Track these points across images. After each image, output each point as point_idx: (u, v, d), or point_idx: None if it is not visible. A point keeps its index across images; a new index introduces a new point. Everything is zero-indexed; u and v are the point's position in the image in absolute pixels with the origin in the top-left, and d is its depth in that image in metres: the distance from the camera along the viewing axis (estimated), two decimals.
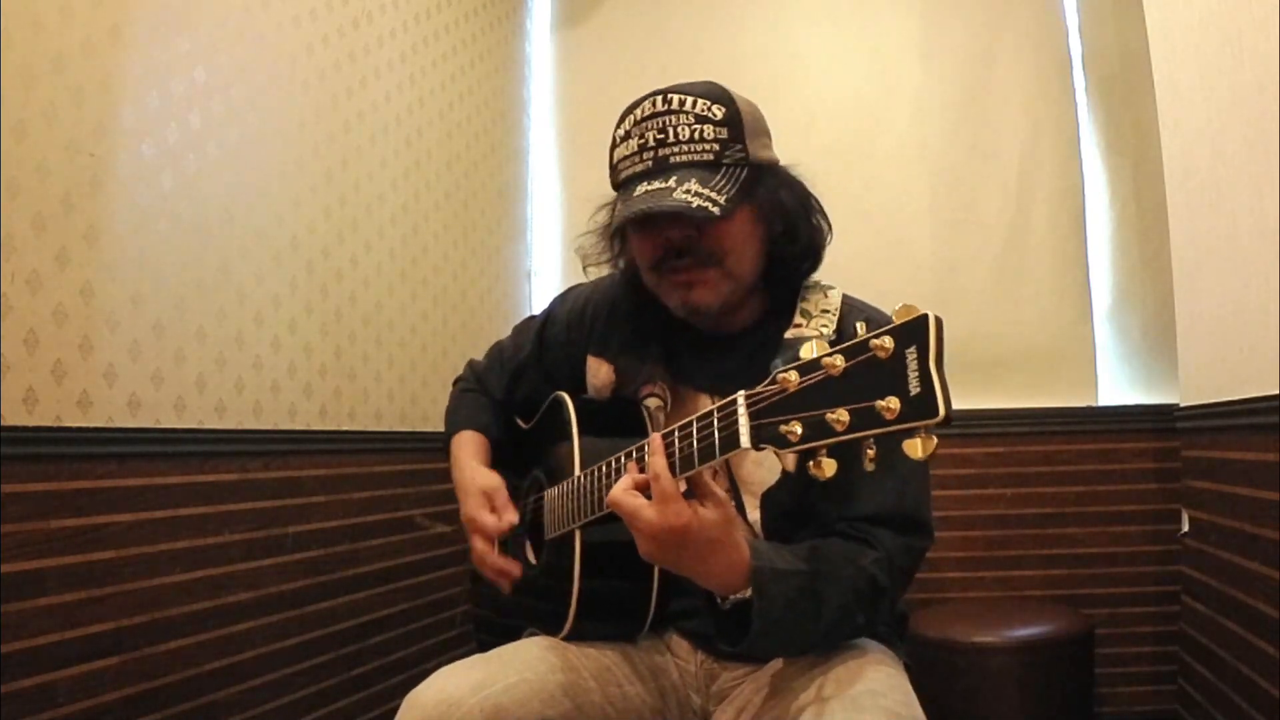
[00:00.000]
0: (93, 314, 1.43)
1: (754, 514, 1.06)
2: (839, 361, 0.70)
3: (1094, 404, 2.52)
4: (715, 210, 0.97)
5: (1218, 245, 1.77)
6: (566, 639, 1.07)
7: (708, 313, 1.07)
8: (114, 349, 1.47)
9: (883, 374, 0.67)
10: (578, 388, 1.22)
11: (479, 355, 1.42)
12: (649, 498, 0.86)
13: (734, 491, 1.08)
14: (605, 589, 1.06)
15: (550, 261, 2.93)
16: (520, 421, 1.33)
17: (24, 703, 1.29)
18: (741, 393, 0.78)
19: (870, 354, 0.68)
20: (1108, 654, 2.26)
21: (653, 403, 1.14)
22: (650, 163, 1.02)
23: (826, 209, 1.12)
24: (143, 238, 1.53)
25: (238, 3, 1.77)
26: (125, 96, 1.50)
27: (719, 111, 1.02)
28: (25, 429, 1.31)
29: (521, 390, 1.31)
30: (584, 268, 1.20)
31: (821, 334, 1.05)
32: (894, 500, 0.98)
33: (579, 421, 1.11)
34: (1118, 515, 2.37)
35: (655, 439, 0.87)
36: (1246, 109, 1.59)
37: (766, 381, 0.76)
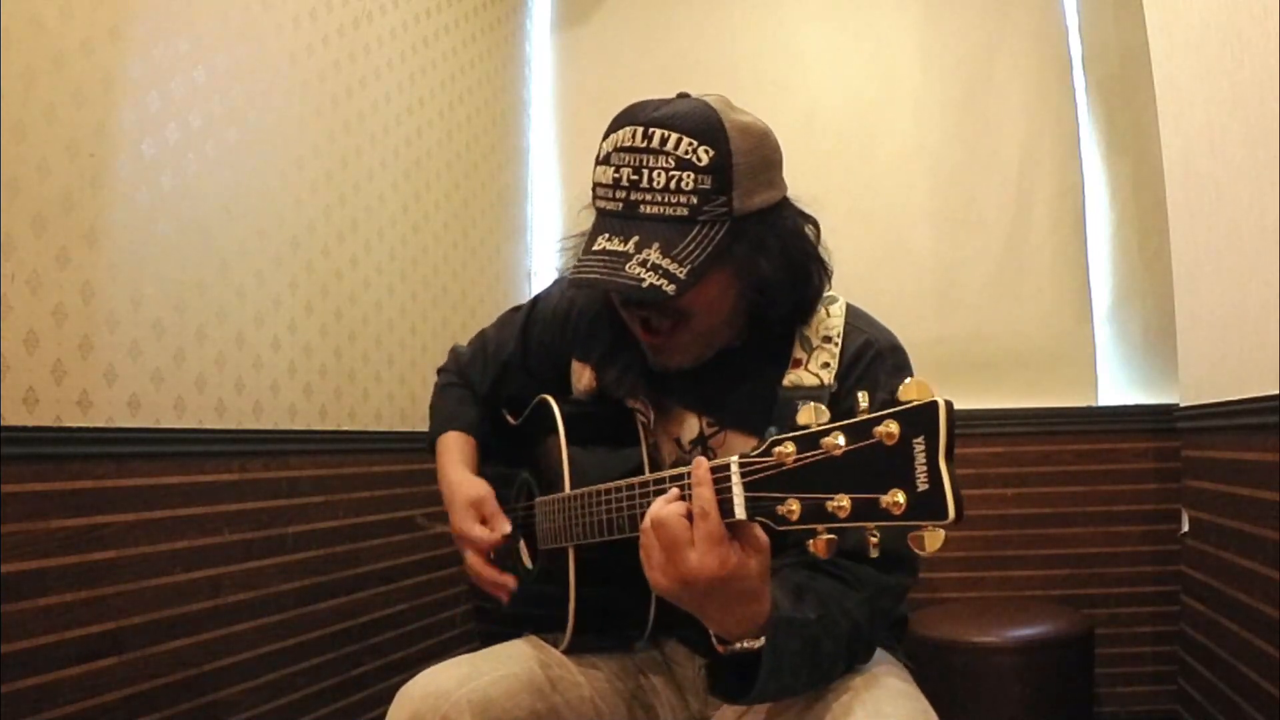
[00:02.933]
0: (93, 314, 1.43)
1: None
2: (840, 441, 0.66)
3: (1094, 404, 2.52)
4: (669, 289, 0.87)
5: (1218, 245, 1.77)
6: (566, 652, 1.07)
7: (679, 369, 1.02)
8: (114, 349, 1.47)
9: (887, 462, 0.63)
10: (563, 387, 1.19)
11: None
12: None
13: None
14: (603, 601, 1.05)
15: (550, 261, 2.93)
16: (509, 417, 1.30)
17: (24, 703, 1.29)
18: (735, 459, 0.74)
19: (874, 439, 0.64)
20: (1108, 654, 2.26)
21: (639, 418, 1.10)
22: (620, 204, 0.93)
23: (826, 210, 1.05)
24: (143, 238, 1.53)
25: (238, 3, 1.77)
26: (125, 96, 1.50)
27: (704, 156, 0.90)
28: (25, 429, 1.31)
29: (507, 387, 1.27)
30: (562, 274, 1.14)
31: (821, 381, 0.98)
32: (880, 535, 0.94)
33: (566, 428, 1.08)
34: (1118, 515, 2.37)
35: (702, 466, 0.76)
36: (1246, 109, 1.59)
37: (761, 450, 0.72)
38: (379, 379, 2.18)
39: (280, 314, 1.86)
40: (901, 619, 1.12)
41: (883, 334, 1.03)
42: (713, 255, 0.91)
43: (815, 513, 0.68)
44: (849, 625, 0.88)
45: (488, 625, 1.33)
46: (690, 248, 0.90)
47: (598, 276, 0.91)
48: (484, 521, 1.11)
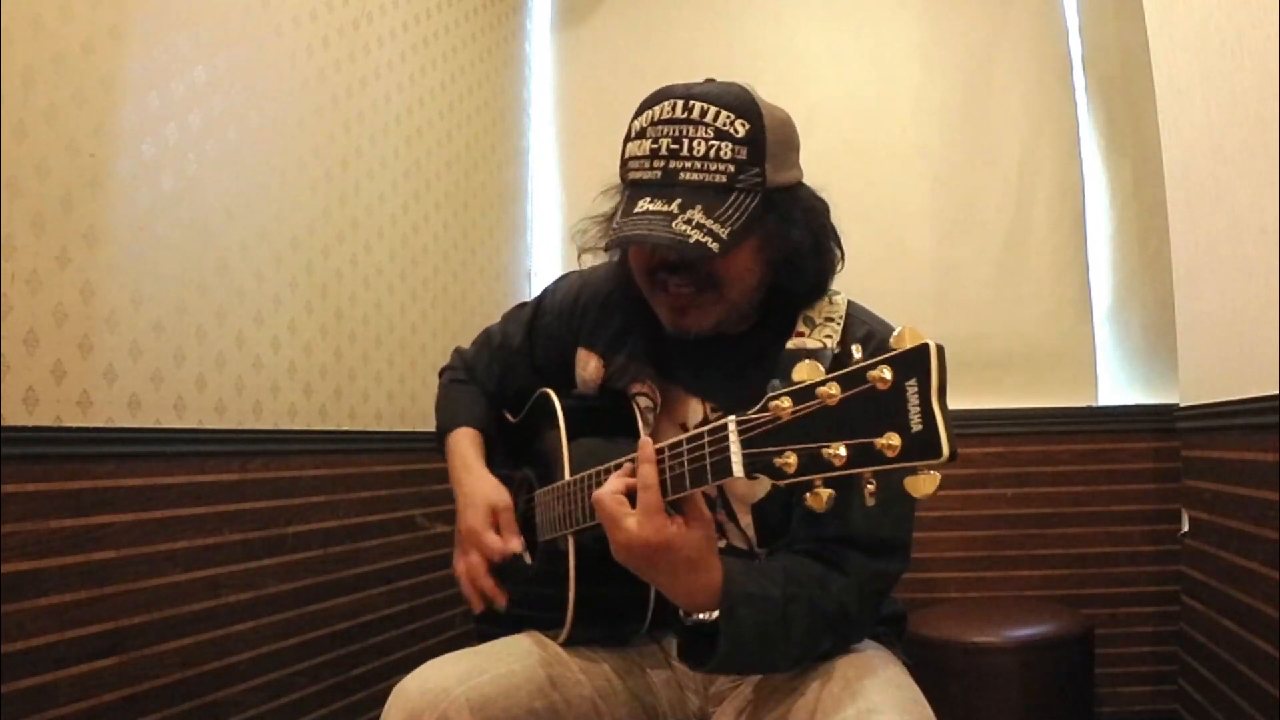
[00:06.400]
0: (93, 314, 1.43)
1: (745, 519, 1.06)
2: (834, 390, 0.67)
3: (1094, 404, 2.52)
4: (714, 247, 0.91)
5: (1218, 245, 1.77)
6: (565, 644, 1.07)
7: (698, 335, 1.04)
8: (114, 349, 1.47)
9: (881, 406, 0.64)
10: (567, 379, 1.20)
11: None
12: (633, 500, 0.84)
13: (722, 498, 1.07)
14: (602, 593, 1.05)
15: (550, 261, 2.93)
16: (509, 415, 1.32)
17: (24, 703, 1.29)
18: (732, 418, 0.75)
19: (868, 384, 0.65)
20: (1108, 654, 2.26)
21: (643, 402, 1.12)
22: (659, 173, 0.95)
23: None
24: (143, 238, 1.53)
25: (238, 3, 1.77)
26: (125, 96, 1.50)
27: (741, 128, 0.94)
28: (25, 429, 1.31)
29: (512, 382, 1.28)
30: (579, 254, 1.12)
31: (824, 345, 1.01)
32: (872, 523, 0.95)
33: (566, 420, 1.09)
34: (1118, 515, 2.37)
35: (647, 445, 0.84)
36: (1246, 109, 1.59)
37: (758, 407, 0.73)
38: (379, 379, 2.18)
39: (280, 314, 1.86)
40: (900, 615, 1.12)
41: (884, 327, 1.06)
42: (748, 222, 0.95)
43: (812, 462, 0.69)
44: (833, 606, 0.91)
45: (486, 626, 1.33)
46: (729, 212, 0.94)
47: (645, 232, 0.93)
48: (497, 532, 1.11)
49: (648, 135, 0.97)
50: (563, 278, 1.28)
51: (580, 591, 1.03)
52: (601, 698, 1.05)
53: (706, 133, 0.94)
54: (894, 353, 0.65)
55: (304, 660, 1.85)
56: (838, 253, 1.06)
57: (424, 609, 2.25)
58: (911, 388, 0.63)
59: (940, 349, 0.63)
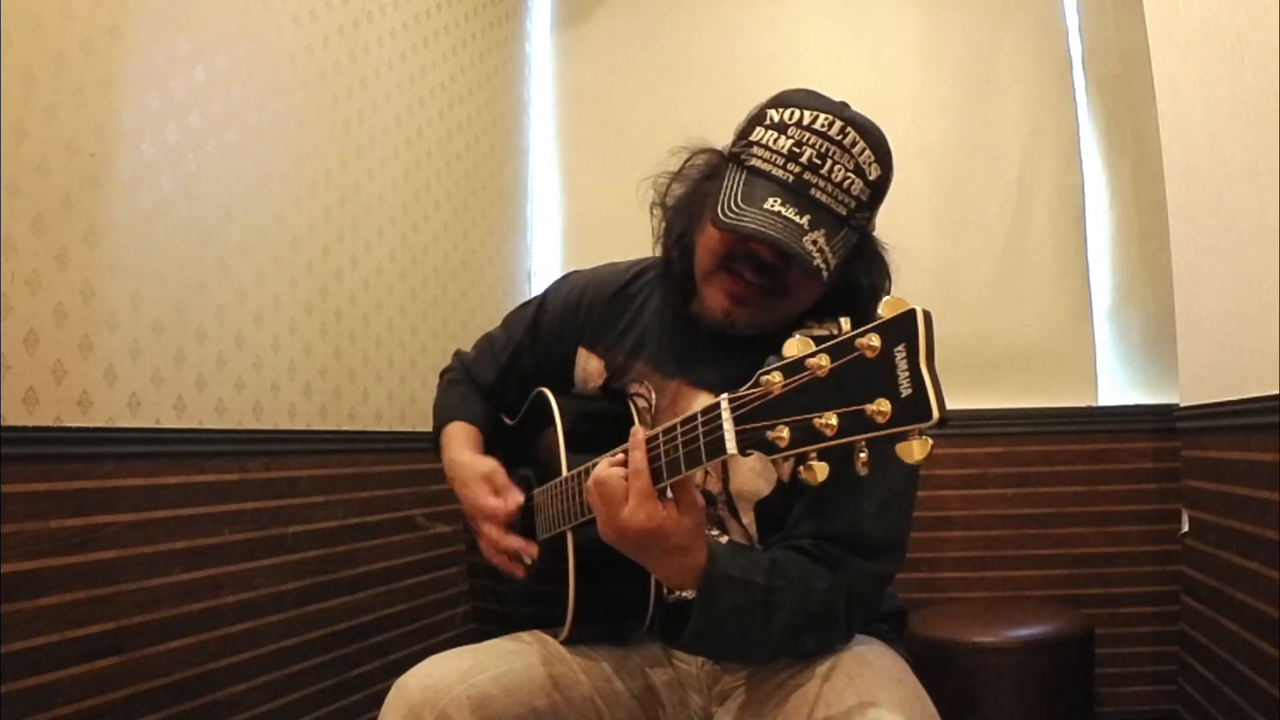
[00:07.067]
0: (93, 314, 1.43)
1: (748, 516, 1.06)
2: (824, 361, 0.68)
3: (1094, 404, 2.52)
4: (825, 274, 0.94)
5: (1218, 245, 1.77)
6: (566, 643, 1.07)
7: (737, 330, 1.04)
8: (114, 349, 1.47)
9: (871, 374, 0.65)
10: (566, 378, 1.21)
11: None
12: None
13: (726, 495, 1.07)
14: (602, 590, 1.05)
15: (550, 261, 2.93)
16: (505, 419, 1.32)
17: (24, 703, 1.29)
18: (725, 396, 0.76)
19: (857, 353, 0.66)
20: (1108, 654, 2.26)
21: (640, 402, 1.12)
22: (792, 178, 0.97)
23: None
24: (143, 238, 1.53)
25: (238, 3, 1.76)
26: (125, 96, 1.50)
27: (874, 172, 0.99)
28: (25, 429, 1.31)
29: (512, 379, 1.29)
30: (652, 206, 1.13)
31: (831, 332, 1.02)
32: (868, 522, 0.96)
33: (563, 418, 1.10)
34: (1118, 515, 2.37)
35: (638, 433, 0.86)
36: (1246, 109, 1.59)
37: (750, 384, 0.74)
38: (379, 379, 2.18)
39: (280, 314, 1.86)
40: (899, 612, 1.13)
41: None
42: (844, 258, 0.99)
43: (805, 434, 0.69)
44: (819, 604, 0.92)
45: (487, 625, 1.33)
46: (838, 244, 0.97)
47: (785, 239, 0.94)
48: (497, 494, 1.12)
49: (790, 135, 0.98)
50: (565, 277, 1.29)
51: (580, 590, 1.03)
52: (601, 697, 1.05)
53: (849, 163, 0.97)
54: (882, 320, 0.65)
55: (304, 660, 1.85)
56: (887, 293, 1.08)
57: (423, 609, 2.25)
58: (900, 354, 0.64)
59: (927, 314, 0.64)
